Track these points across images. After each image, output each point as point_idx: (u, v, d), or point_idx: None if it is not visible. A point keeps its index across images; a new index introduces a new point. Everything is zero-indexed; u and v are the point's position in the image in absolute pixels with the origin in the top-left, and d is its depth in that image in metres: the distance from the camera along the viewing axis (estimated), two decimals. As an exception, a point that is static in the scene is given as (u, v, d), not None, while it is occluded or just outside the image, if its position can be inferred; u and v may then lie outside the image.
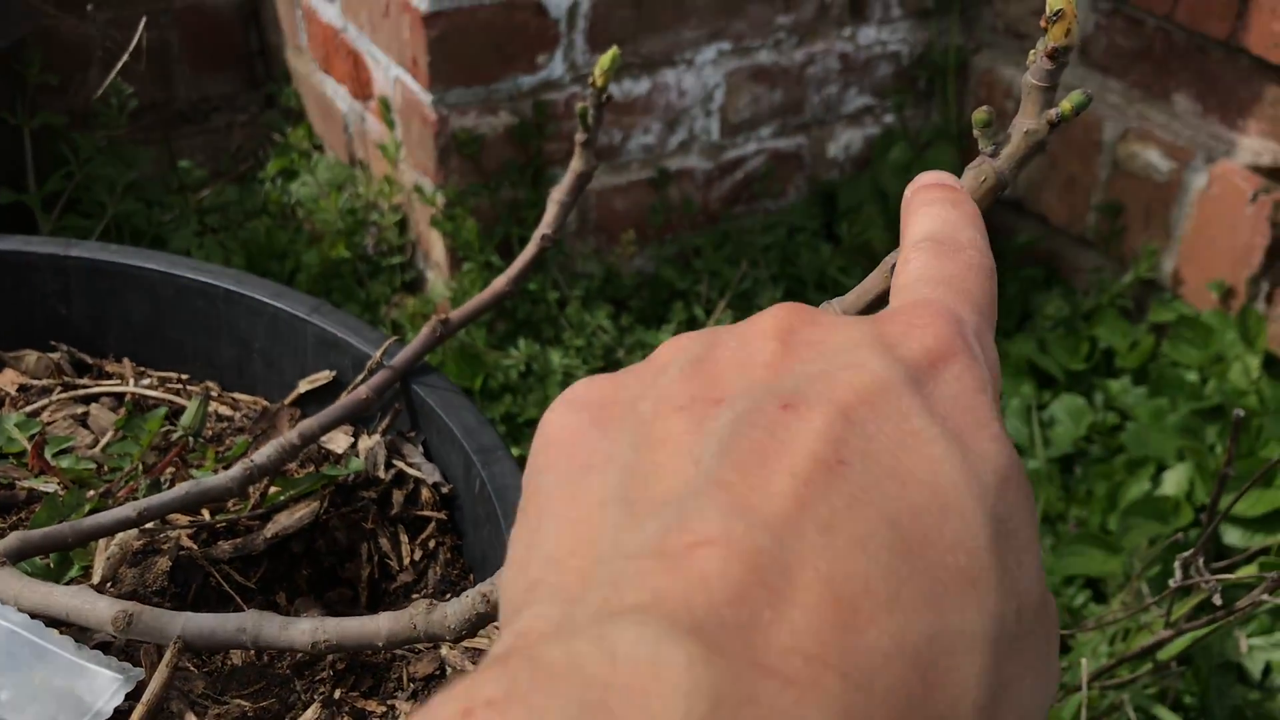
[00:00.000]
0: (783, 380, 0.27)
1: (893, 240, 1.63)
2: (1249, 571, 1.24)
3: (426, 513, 0.71)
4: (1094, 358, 1.55)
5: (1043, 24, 0.50)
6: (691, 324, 1.63)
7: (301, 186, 1.77)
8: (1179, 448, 1.35)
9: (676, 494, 0.24)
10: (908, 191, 0.44)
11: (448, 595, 0.69)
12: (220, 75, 2.02)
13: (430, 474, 0.72)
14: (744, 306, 1.63)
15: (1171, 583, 0.67)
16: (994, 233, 1.76)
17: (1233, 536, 1.27)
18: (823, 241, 1.72)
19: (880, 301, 0.53)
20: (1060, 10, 0.49)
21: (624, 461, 0.26)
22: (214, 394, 0.85)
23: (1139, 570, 1.18)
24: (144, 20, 1.36)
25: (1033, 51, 0.51)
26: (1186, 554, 0.67)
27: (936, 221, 0.38)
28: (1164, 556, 1.26)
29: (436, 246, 1.59)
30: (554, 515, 0.26)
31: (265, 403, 0.84)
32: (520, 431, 1.48)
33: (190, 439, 0.78)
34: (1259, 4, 1.39)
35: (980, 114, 0.51)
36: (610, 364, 1.56)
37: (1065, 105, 0.51)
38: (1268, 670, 1.21)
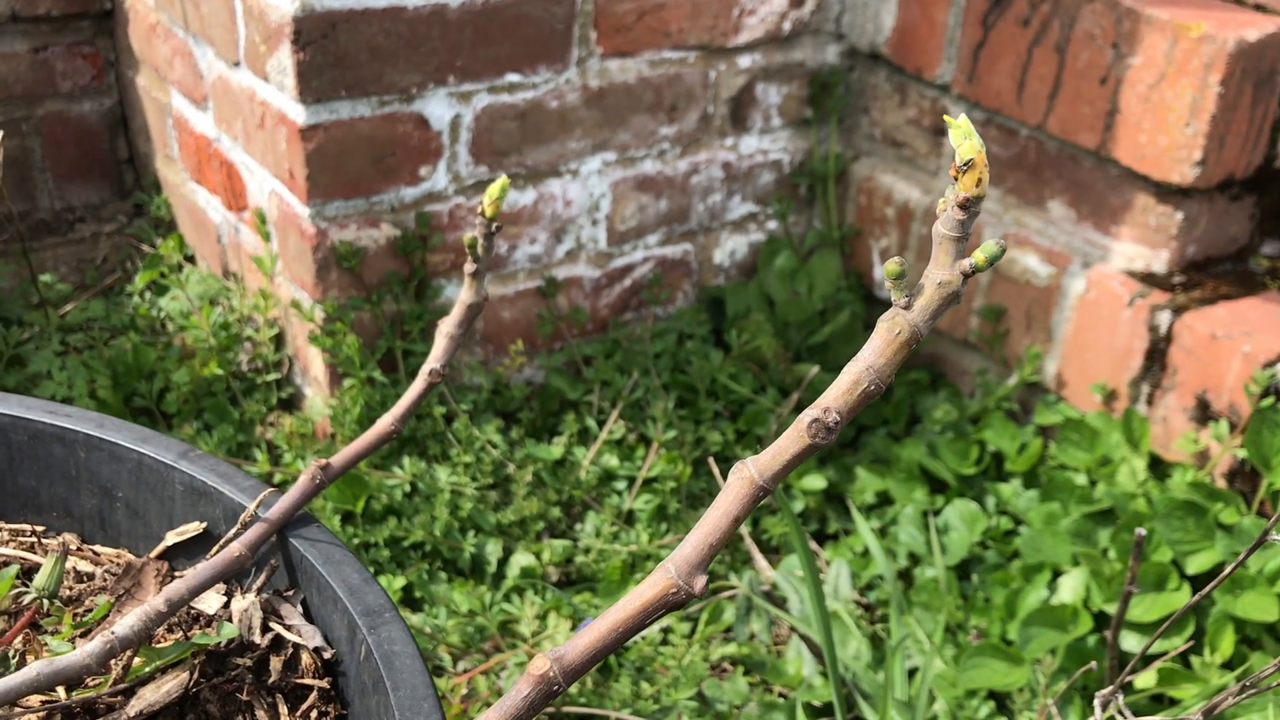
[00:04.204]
0: None
1: (781, 347, 1.62)
2: (1148, 678, 1.24)
3: (307, 680, 0.66)
4: (984, 461, 1.56)
5: (952, 173, 0.49)
6: (584, 435, 1.59)
7: (172, 300, 1.70)
8: (1073, 553, 1.35)
9: None
10: None
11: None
12: (86, 184, 1.95)
13: (311, 638, 0.67)
14: (636, 416, 1.61)
15: (1091, 722, 0.65)
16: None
17: (1129, 642, 1.27)
18: (713, 348, 1.71)
19: (796, 460, 0.50)
20: (971, 160, 0.47)
21: None
22: (73, 548, 0.79)
23: (1044, 685, 1.17)
24: (1, 135, 1.30)
25: (942, 200, 0.50)
26: (1105, 691, 0.65)
27: None
28: (1066, 666, 1.26)
29: (315, 362, 1.53)
30: None
31: (130, 556, 0.77)
32: (405, 556, 1.41)
33: (45, 601, 0.72)
34: (1125, 117, 1.44)
35: (892, 265, 0.50)
36: (500, 480, 1.51)
37: (979, 256, 0.50)
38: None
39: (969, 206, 0.49)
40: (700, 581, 0.47)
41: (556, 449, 1.54)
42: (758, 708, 1.25)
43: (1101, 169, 1.49)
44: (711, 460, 1.38)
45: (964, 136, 0.48)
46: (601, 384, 1.64)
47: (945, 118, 0.44)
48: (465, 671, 1.30)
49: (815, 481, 1.54)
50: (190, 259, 1.84)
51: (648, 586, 0.47)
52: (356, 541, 1.39)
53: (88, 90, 1.88)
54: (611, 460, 1.54)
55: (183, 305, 1.67)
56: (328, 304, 1.47)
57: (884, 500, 1.56)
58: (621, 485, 1.54)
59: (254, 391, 1.59)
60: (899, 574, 1.46)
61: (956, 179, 0.49)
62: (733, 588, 1.42)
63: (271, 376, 1.58)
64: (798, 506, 1.55)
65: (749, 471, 0.50)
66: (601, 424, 1.60)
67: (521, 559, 1.43)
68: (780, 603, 1.40)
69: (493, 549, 1.43)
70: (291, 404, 1.63)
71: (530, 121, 1.53)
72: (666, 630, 1.37)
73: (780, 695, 1.32)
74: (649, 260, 1.73)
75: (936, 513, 1.51)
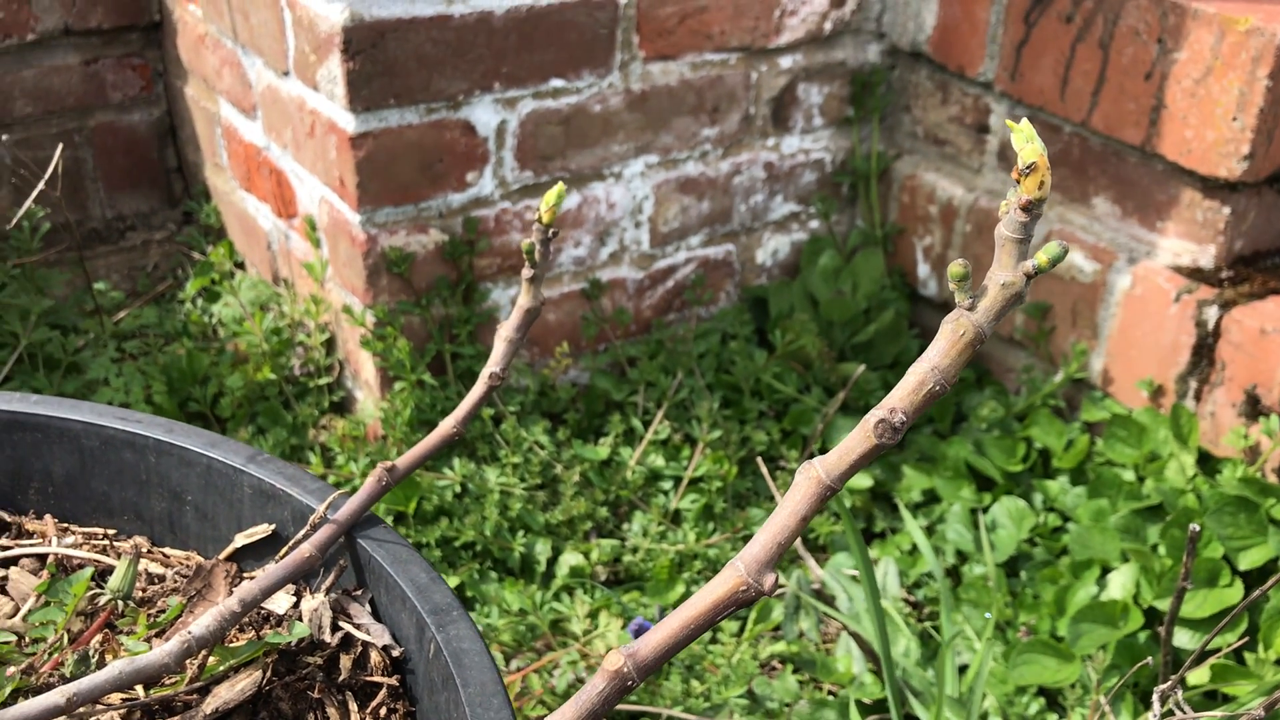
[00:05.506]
0: None
1: (826, 346, 1.62)
2: (1201, 675, 1.23)
3: (377, 678, 0.67)
4: (1030, 458, 1.56)
5: (1015, 176, 0.49)
6: (629, 435, 1.60)
7: (224, 307, 1.73)
8: (1122, 549, 1.35)
9: None
10: None
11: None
12: (136, 193, 1.98)
13: (380, 636, 0.68)
14: (681, 416, 1.62)
15: (1152, 717, 0.66)
16: (925, 335, 1.75)
17: (1181, 639, 1.26)
18: (756, 348, 1.72)
19: (862, 460, 0.51)
20: (1033, 163, 0.48)
21: None
22: (144, 550, 0.81)
23: (1096, 681, 1.17)
24: (60, 147, 1.33)
25: (1004, 203, 0.51)
26: (1164, 686, 0.66)
27: None
28: (1117, 662, 1.26)
29: (366, 366, 1.55)
30: None
31: (199, 558, 0.80)
32: (456, 556, 1.43)
33: (120, 602, 0.74)
34: (1171, 112, 1.43)
35: (956, 268, 0.50)
36: (548, 480, 1.53)
37: (1041, 258, 0.51)
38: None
39: (1031, 209, 0.50)
40: (770, 579, 0.48)
41: (603, 449, 1.55)
42: (808, 705, 1.26)
43: (1147, 165, 1.49)
44: (759, 460, 1.39)
45: (1026, 140, 0.49)
46: (646, 385, 1.65)
47: (1008, 122, 0.44)
48: (519, 670, 1.31)
49: (862, 480, 1.55)
50: (240, 266, 1.87)
51: (718, 584, 0.48)
52: (409, 542, 1.41)
53: (137, 101, 1.92)
54: (657, 460, 1.56)
55: (235, 311, 1.70)
56: (378, 309, 1.49)
57: (931, 498, 1.57)
58: (668, 485, 1.55)
59: (306, 395, 1.61)
60: (947, 572, 1.47)
61: (1019, 182, 0.50)
62: (781, 586, 1.43)
63: (323, 380, 1.60)
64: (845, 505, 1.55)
65: (816, 471, 0.51)
66: (647, 424, 1.61)
67: (570, 558, 1.44)
68: (829, 601, 1.41)
69: (542, 549, 1.44)
70: (343, 407, 1.65)
71: (574, 126, 1.54)
72: (716, 629, 1.38)
73: (830, 693, 1.33)
74: (691, 261, 1.74)
75: (984, 510, 1.51)
